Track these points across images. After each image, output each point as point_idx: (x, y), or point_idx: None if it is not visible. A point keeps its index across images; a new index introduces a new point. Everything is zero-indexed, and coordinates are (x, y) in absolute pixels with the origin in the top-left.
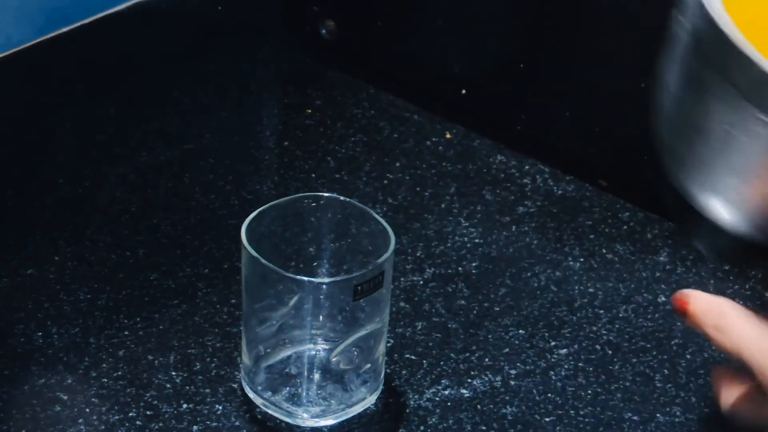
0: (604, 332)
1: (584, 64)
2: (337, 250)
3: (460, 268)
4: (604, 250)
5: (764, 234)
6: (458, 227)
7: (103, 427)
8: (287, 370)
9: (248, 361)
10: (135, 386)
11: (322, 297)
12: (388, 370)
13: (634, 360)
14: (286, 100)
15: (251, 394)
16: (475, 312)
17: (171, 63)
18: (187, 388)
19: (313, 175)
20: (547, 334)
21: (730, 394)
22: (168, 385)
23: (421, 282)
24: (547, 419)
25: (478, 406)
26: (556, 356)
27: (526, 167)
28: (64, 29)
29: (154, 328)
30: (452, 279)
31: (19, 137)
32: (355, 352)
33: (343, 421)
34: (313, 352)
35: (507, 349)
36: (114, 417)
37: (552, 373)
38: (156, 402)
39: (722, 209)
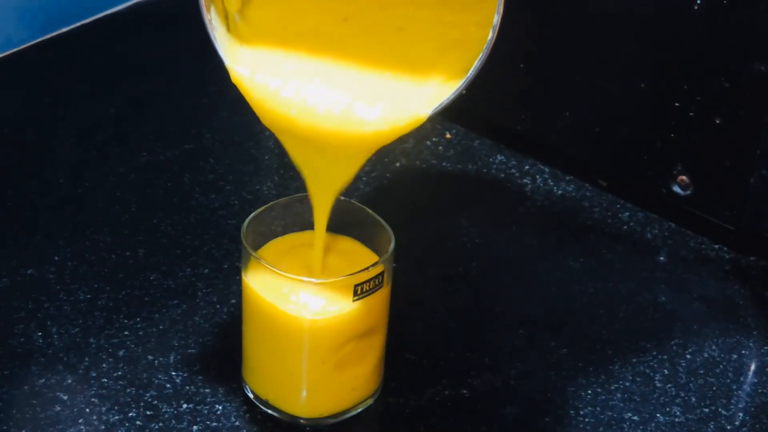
0: (604, 332)
1: (584, 64)
2: None
3: (460, 268)
4: (604, 250)
5: None
6: (458, 227)
7: (103, 427)
8: None
9: (248, 362)
10: (135, 386)
11: (322, 297)
12: (387, 370)
13: (634, 360)
14: None
15: (251, 395)
16: (475, 312)
17: (171, 63)
18: (187, 388)
19: None
20: (547, 334)
21: None
22: (168, 385)
23: (421, 282)
24: (547, 419)
25: (478, 406)
26: (556, 356)
27: (526, 167)
28: (64, 29)
29: (154, 328)
30: (452, 279)
31: (19, 137)
32: (356, 352)
33: (343, 421)
34: None
35: (507, 349)
36: (114, 417)
37: (552, 373)
38: (156, 402)
39: None
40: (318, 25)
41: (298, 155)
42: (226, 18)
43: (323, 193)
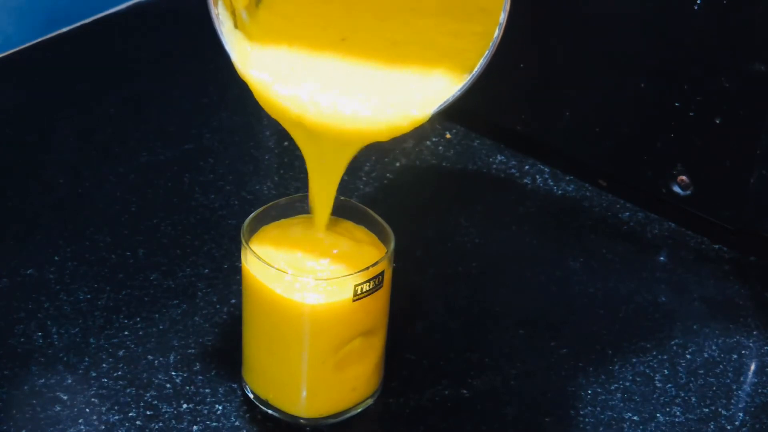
0: (604, 332)
1: (584, 63)
2: None
3: (460, 268)
4: (604, 250)
5: None
6: (458, 227)
7: (103, 427)
8: None
9: (248, 361)
10: (135, 386)
11: (321, 297)
12: (387, 370)
13: (634, 360)
14: None
15: (251, 395)
16: (475, 312)
17: (171, 63)
18: (187, 388)
19: None
20: (547, 334)
21: None
22: (168, 385)
23: (421, 282)
24: (547, 419)
25: (478, 406)
26: (556, 356)
27: (526, 167)
28: (64, 29)
29: (154, 328)
30: (452, 279)
31: (19, 137)
32: (356, 352)
33: (343, 421)
34: None
35: (507, 349)
36: (114, 417)
37: (552, 373)
38: (156, 402)
39: None
40: (319, 40)
41: (302, 142)
42: (233, 13)
43: (326, 172)
